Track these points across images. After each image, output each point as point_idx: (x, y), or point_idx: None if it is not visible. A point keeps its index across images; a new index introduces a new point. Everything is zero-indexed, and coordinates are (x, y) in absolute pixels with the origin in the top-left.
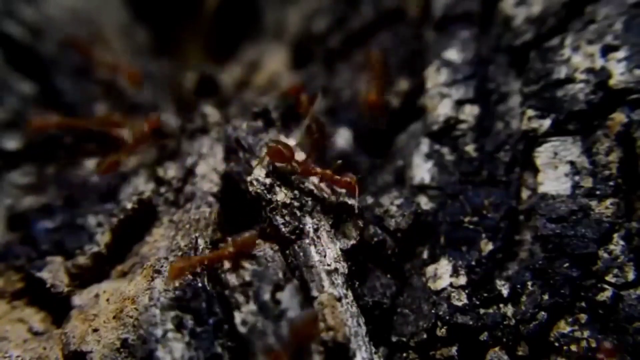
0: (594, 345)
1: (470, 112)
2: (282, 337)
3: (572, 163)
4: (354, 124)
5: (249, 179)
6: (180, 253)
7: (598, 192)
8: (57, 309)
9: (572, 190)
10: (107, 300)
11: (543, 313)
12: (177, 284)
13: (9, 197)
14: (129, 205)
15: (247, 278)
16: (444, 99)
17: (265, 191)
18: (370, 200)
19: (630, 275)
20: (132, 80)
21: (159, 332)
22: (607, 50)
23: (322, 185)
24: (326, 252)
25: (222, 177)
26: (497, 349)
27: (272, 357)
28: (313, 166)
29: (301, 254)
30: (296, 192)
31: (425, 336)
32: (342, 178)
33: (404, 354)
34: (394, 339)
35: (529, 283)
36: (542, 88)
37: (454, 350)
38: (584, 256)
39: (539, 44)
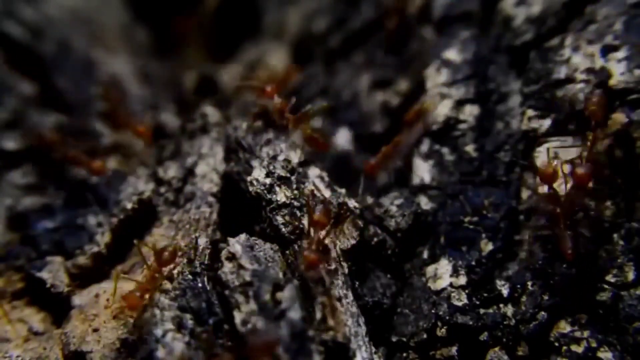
0: (594, 345)
1: (470, 112)
2: (280, 337)
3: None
4: (354, 124)
5: (249, 179)
6: (180, 253)
7: (598, 192)
8: (57, 309)
9: None
10: (107, 300)
11: (543, 313)
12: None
13: (9, 197)
14: (129, 205)
15: (247, 278)
16: (444, 99)
17: (265, 191)
18: (370, 200)
19: (630, 275)
20: (142, 137)
21: (159, 332)
22: (607, 50)
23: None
24: None
25: (222, 177)
26: (497, 349)
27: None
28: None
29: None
30: (296, 192)
31: (425, 336)
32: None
33: (404, 354)
34: (394, 339)
35: (529, 283)
36: (542, 88)
37: (454, 350)
38: (584, 256)
39: (539, 44)
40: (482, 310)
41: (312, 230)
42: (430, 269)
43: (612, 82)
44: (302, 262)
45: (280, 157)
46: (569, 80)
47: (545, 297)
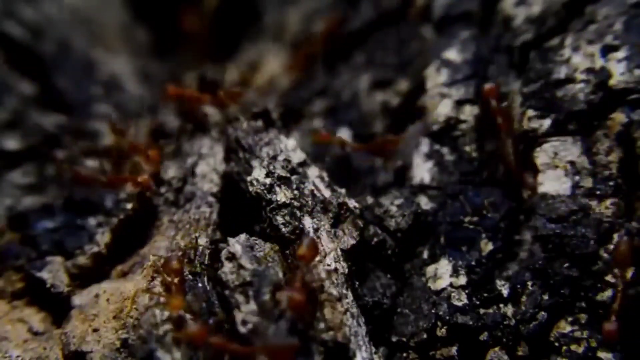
0: (594, 345)
1: (470, 112)
2: (281, 337)
3: (572, 163)
4: (354, 124)
5: (249, 179)
6: (180, 253)
7: (598, 192)
8: (57, 309)
9: (572, 190)
10: (107, 300)
11: (543, 313)
12: None
13: (9, 197)
14: (129, 205)
15: (247, 278)
16: (444, 99)
17: (265, 191)
18: (370, 200)
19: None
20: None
21: (159, 332)
22: (607, 50)
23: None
24: (326, 252)
25: (222, 177)
26: (497, 349)
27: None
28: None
29: None
30: (296, 192)
31: (425, 336)
32: None
33: (404, 354)
34: (394, 339)
35: (529, 283)
36: (542, 88)
37: (454, 350)
38: (584, 256)
39: (539, 44)
40: (482, 310)
41: (298, 264)
42: (430, 269)
43: (612, 82)
44: (287, 303)
45: (280, 157)
46: (569, 80)
47: (545, 297)
